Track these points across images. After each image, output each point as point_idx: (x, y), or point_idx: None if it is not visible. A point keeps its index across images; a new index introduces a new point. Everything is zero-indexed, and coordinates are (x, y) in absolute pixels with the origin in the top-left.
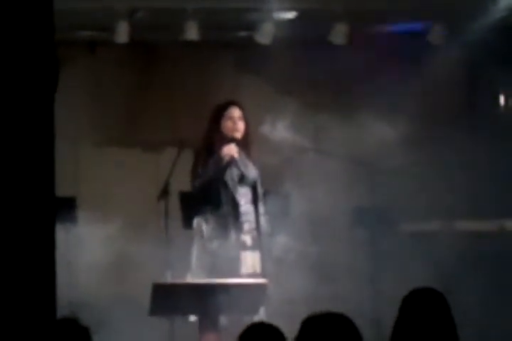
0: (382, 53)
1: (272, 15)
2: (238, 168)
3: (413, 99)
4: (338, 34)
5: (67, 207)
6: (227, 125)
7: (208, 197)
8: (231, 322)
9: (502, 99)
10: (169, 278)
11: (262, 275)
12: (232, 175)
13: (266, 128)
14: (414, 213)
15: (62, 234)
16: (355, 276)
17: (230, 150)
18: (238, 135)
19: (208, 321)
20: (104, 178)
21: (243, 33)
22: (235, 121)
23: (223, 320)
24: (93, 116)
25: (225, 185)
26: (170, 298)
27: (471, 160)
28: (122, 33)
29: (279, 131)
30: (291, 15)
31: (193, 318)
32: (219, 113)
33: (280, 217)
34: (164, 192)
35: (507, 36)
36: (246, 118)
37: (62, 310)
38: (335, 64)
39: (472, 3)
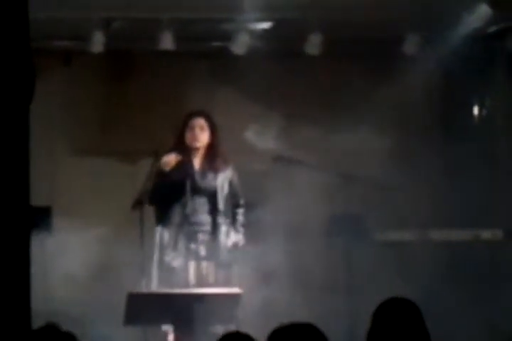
0: (357, 63)
1: (247, 25)
2: (192, 178)
3: (388, 109)
4: (313, 44)
5: (42, 217)
6: (188, 135)
7: (163, 206)
8: (205, 332)
9: (476, 110)
10: (144, 288)
11: (216, 286)
12: (185, 184)
13: (240, 138)
14: (389, 223)
15: (38, 244)
16: (330, 286)
17: (170, 159)
18: (198, 144)
19: (183, 331)
20: (79, 188)
21: (218, 43)
22: (196, 132)
23: (198, 329)
24: (69, 126)
25: (177, 194)
26: (145, 308)
27: (446, 170)
28: (98, 43)
29: (254, 141)
30: (266, 25)
31: (165, 328)
32: (183, 123)
33: (255, 226)
34: (138, 202)
35: (482, 47)
36: (212, 128)
37: (37, 320)
38: (310, 74)
39: (447, 14)
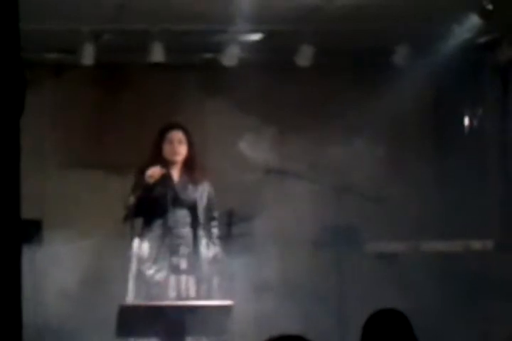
0: (347, 75)
1: (238, 37)
2: (173, 190)
3: (379, 120)
4: (304, 56)
5: (33, 230)
6: (166, 148)
7: (144, 218)
8: None
9: (466, 120)
10: (130, 300)
11: (197, 299)
12: (165, 197)
13: (231, 150)
14: (380, 234)
15: (29, 257)
16: (321, 297)
17: (154, 172)
18: (178, 158)
19: None
20: (70, 200)
21: (209, 55)
22: (174, 145)
23: None
24: (59, 137)
25: (158, 207)
26: (136, 320)
27: (437, 181)
28: (88, 55)
29: (244, 152)
30: (256, 37)
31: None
32: (160, 136)
33: (245, 237)
34: (129, 215)
35: (472, 57)
36: (190, 141)
37: (28, 332)
38: (301, 86)
39: (437, 25)
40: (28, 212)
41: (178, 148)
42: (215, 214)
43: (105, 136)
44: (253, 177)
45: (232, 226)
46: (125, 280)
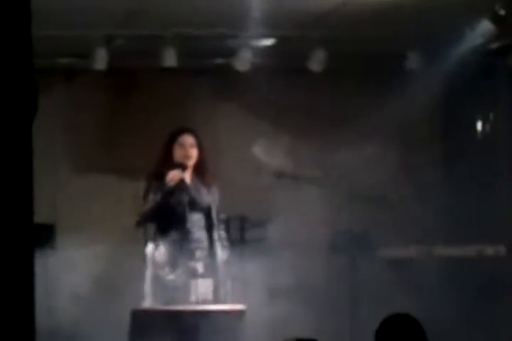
0: (359, 79)
1: (250, 42)
2: (189, 194)
3: (390, 124)
4: (316, 61)
5: (46, 234)
6: (178, 152)
7: (158, 223)
8: None
9: (478, 126)
10: (148, 304)
11: (215, 302)
12: (182, 200)
13: (244, 155)
14: (393, 239)
15: (41, 261)
16: (334, 302)
17: (175, 175)
18: (189, 162)
19: None
20: (82, 206)
21: (221, 60)
22: (186, 149)
23: None
24: (71, 142)
25: (175, 210)
26: (148, 325)
27: (449, 185)
28: (100, 60)
29: (256, 157)
30: (269, 42)
31: None
32: (171, 140)
33: (258, 242)
34: (142, 220)
35: (484, 63)
36: (200, 145)
37: (41, 337)
38: (313, 90)
39: (449, 30)
40: (40, 216)
41: (190, 151)
42: (222, 217)
43: (117, 141)
44: (265, 182)
45: (244, 231)
46: (137, 285)
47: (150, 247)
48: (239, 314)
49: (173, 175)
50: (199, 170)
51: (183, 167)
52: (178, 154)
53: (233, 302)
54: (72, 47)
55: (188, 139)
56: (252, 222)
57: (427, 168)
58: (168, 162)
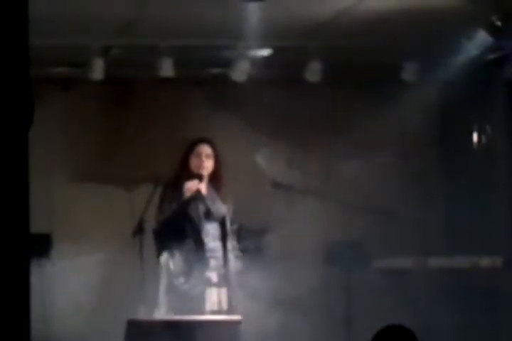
0: (357, 90)
1: (247, 52)
2: (205, 204)
3: (386, 135)
4: (313, 71)
5: (42, 244)
6: (194, 162)
7: (174, 232)
8: None
9: (475, 136)
10: (143, 315)
11: (229, 312)
12: (198, 210)
13: (240, 165)
14: (388, 250)
15: (37, 271)
16: (329, 312)
17: (192, 185)
18: (205, 172)
19: None
20: (79, 214)
21: (218, 70)
22: (202, 159)
23: None
24: (68, 152)
25: (190, 220)
26: (144, 335)
27: (445, 196)
28: (97, 70)
29: (253, 167)
30: (265, 52)
31: None
32: (188, 149)
33: (254, 252)
34: (139, 229)
35: (480, 73)
36: (217, 156)
37: None
38: (310, 101)
39: (446, 41)
40: (37, 226)
41: (206, 162)
42: (235, 227)
43: (114, 150)
44: (262, 192)
45: (241, 241)
46: (134, 295)
47: (164, 257)
48: (234, 324)
49: (190, 186)
50: (214, 180)
51: (199, 177)
52: (194, 164)
53: (240, 312)
54: (69, 56)
55: (205, 149)
56: (248, 232)
57: (423, 179)
58: (184, 172)
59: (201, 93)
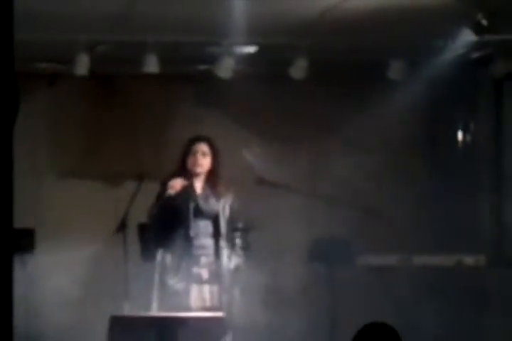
0: (342, 87)
1: (232, 49)
2: (196, 202)
3: (374, 133)
4: (299, 68)
5: (25, 239)
6: (190, 160)
7: (163, 229)
8: None
9: (461, 134)
10: (127, 311)
11: (220, 309)
12: (188, 208)
13: (225, 162)
14: (372, 247)
15: (21, 266)
16: (312, 309)
17: (176, 183)
18: (199, 170)
19: None
20: (63, 210)
21: (203, 67)
22: (197, 156)
23: None
24: (53, 148)
25: (180, 217)
26: (127, 331)
27: (430, 194)
28: (82, 66)
29: (237, 164)
30: (251, 49)
31: None
32: (185, 148)
33: (240, 250)
34: (122, 225)
35: (466, 72)
36: (215, 154)
37: None
38: (295, 98)
39: (432, 40)
40: (20, 221)
41: (201, 160)
42: (239, 225)
43: (99, 146)
44: (246, 189)
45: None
46: (117, 290)
47: (159, 253)
48: (217, 321)
49: (173, 184)
50: (210, 178)
51: (190, 175)
52: (190, 162)
53: (241, 308)
54: (55, 52)
55: (201, 147)
56: (231, 228)
57: (409, 178)
58: (181, 170)
59: (187, 89)
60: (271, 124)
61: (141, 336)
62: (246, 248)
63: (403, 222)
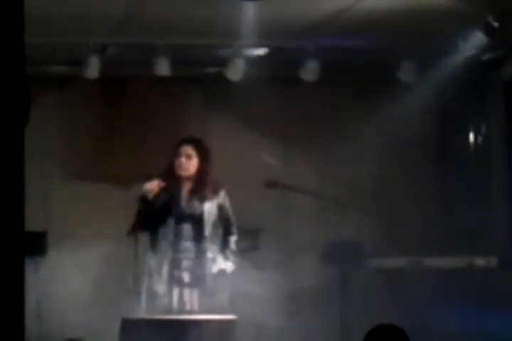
0: (353, 89)
1: (243, 51)
2: (178, 205)
3: (383, 135)
4: (309, 71)
5: (37, 241)
6: (176, 163)
7: (152, 233)
8: None
9: (471, 136)
10: (139, 313)
11: (200, 312)
12: (170, 211)
13: (235, 164)
14: (384, 249)
15: (32, 269)
16: (324, 311)
17: (150, 186)
18: (184, 173)
19: None
20: (74, 212)
21: (213, 69)
22: (182, 159)
23: None
24: (63, 150)
25: (162, 221)
26: (139, 334)
27: (442, 196)
28: (93, 68)
29: (248, 166)
30: (261, 51)
31: None
32: (174, 151)
33: (249, 252)
34: (133, 228)
35: (477, 74)
36: (202, 156)
37: None
38: (306, 100)
39: (443, 41)
40: (32, 223)
41: (185, 163)
42: (233, 228)
43: (109, 149)
44: (257, 191)
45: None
46: (128, 293)
47: (147, 256)
48: (230, 324)
49: (147, 187)
50: (198, 181)
51: (179, 177)
52: (176, 165)
53: (229, 312)
54: (65, 55)
55: (186, 150)
56: (243, 231)
57: (419, 179)
58: (169, 173)
59: (197, 92)
60: (281, 126)
61: (152, 338)
62: (253, 249)
63: (415, 224)
